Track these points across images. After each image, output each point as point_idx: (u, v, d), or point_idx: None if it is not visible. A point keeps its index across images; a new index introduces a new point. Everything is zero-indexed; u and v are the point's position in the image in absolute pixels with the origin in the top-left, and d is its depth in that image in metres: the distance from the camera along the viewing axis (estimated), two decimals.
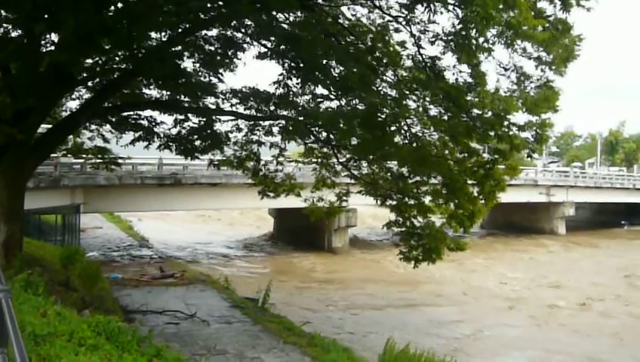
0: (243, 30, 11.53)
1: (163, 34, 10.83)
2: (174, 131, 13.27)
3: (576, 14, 9.78)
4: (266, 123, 13.52)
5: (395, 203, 13.04)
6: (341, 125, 11.82)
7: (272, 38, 11.18)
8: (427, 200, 12.88)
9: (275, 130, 13.62)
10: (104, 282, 14.28)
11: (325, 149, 14.12)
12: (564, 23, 9.91)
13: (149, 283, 17.10)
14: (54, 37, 9.87)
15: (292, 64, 11.59)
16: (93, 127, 14.02)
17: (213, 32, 11.75)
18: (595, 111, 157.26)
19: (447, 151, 12.08)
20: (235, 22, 11.20)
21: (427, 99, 11.28)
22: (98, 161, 14.72)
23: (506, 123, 10.87)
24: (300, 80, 11.89)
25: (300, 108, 12.52)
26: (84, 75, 11.40)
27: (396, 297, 21.64)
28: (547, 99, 10.48)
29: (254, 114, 12.89)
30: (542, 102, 10.45)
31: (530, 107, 10.54)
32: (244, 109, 12.79)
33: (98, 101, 11.97)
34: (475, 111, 10.83)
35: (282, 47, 11.16)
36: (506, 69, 10.31)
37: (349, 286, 23.86)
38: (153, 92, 13.25)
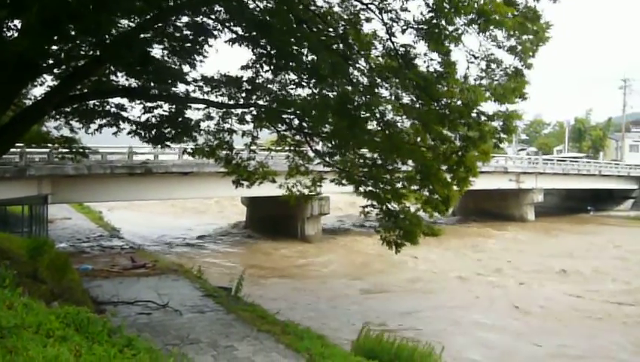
0: (213, 16, 11.37)
1: (131, 20, 10.62)
2: (144, 118, 13.04)
3: (544, 4, 9.90)
4: (238, 110, 13.40)
5: (369, 189, 13.09)
6: (314, 113, 11.79)
7: (243, 25, 11.04)
8: (401, 186, 12.97)
9: (248, 117, 13.51)
10: (74, 273, 14.08)
11: (298, 137, 14.08)
12: (534, 11, 10.03)
13: (120, 273, 16.92)
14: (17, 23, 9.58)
15: (263, 51, 11.49)
16: (59, 115, 13.68)
17: (184, 19, 11.57)
18: (563, 100, 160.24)
19: (419, 139, 12.14)
20: (205, 8, 11.03)
21: (399, 87, 11.31)
22: (64, 150, 14.40)
23: (475, 112, 10.99)
24: (271, 67, 11.80)
25: (272, 96, 12.43)
26: (50, 62, 11.11)
27: (370, 283, 21.84)
28: (515, 89, 10.62)
29: (226, 101, 12.76)
30: (510, 92, 10.59)
31: (498, 97, 10.67)
32: (216, 97, 12.65)
33: (64, 89, 11.67)
34: (445, 100, 10.90)
35: (253, 33, 11.04)
36: (475, 57, 10.38)
37: (321, 273, 23.97)
38: (122, 79, 12.99)
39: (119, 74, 12.68)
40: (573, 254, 30.03)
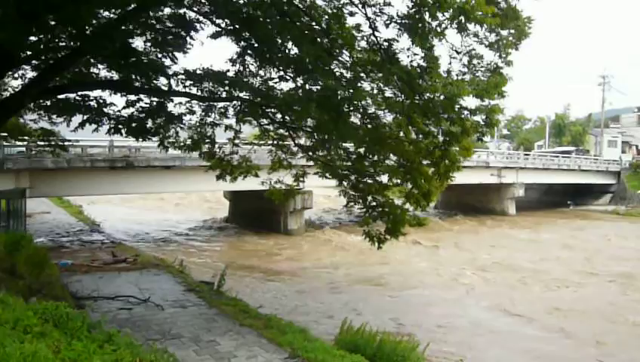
0: (196, 9, 11.25)
1: (112, 11, 10.45)
2: (125, 113, 12.86)
3: (525, 2, 10.00)
4: (221, 104, 13.30)
5: (352, 182, 13.10)
6: (297, 107, 11.75)
7: (226, 18, 10.94)
8: (384, 179, 12.99)
9: (230, 111, 13.42)
10: (53, 268, 13.91)
11: (281, 131, 14.02)
12: (514, 9, 10.10)
13: (101, 268, 16.74)
14: None
15: (247, 44, 11.40)
16: (38, 108, 13.46)
17: (166, 11, 11.43)
18: (544, 96, 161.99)
19: (402, 133, 12.17)
20: (188, 0, 10.93)
21: (382, 81, 11.32)
22: (43, 143, 14.17)
23: (457, 107, 11.04)
24: (255, 60, 11.72)
25: (255, 90, 12.35)
26: (28, 53, 10.91)
27: (353, 277, 21.91)
28: (496, 85, 10.70)
29: (209, 95, 12.65)
30: (492, 89, 10.67)
31: (481, 93, 10.74)
32: (198, 90, 12.53)
33: (43, 81, 11.48)
34: (428, 94, 10.93)
35: (237, 26, 10.95)
36: (458, 52, 10.41)
37: (305, 267, 23.97)
38: (103, 72, 12.81)
39: (100, 66, 12.50)
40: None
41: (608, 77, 73.11)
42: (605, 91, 72.82)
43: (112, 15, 10.51)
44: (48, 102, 12.90)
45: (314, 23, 11.00)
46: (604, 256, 28.22)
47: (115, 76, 12.55)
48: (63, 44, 10.93)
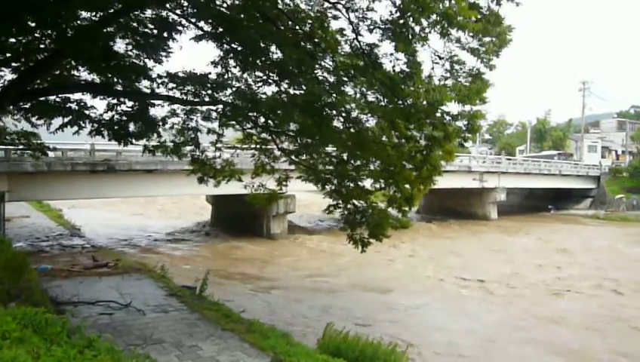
0: (179, 11, 11.20)
1: (94, 13, 10.37)
2: (107, 116, 12.75)
3: (507, 9, 10.12)
4: (204, 108, 13.25)
5: (334, 187, 13.11)
6: (280, 111, 11.75)
7: (209, 21, 10.91)
8: (367, 183, 13.03)
9: (213, 115, 13.38)
10: (32, 273, 13.65)
11: (264, 135, 14.01)
12: (496, 15, 10.21)
13: (81, 273, 16.53)
14: None
15: (230, 47, 11.38)
16: (18, 111, 13.27)
17: (148, 13, 11.36)
18: (526, 101, 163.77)
19: (385, 137, 12.22)
20: (170, 3, 10.87)
21: (365, 85, 11.37)
22: (23, 146, 13.98)
23: (439, 112, 11.13)
24: (238, 63, 11.70)
25: (238, 94, 12.32)
26: (8, 55, 10.79)
27: (332, 281, 21.92)
28: (478, 91, 10.80)
29: (191, 98, 12.59)
30: (474, 94, 10.77)
31: (463, 98, 10.84)
32: (181, 94, 12.47)
33: (23, 83, 11.35)
34: (411, 99, 11.00)
35: (219, 29, 10.92)
36: (440, 57, 10.50)
37: (287, 272, 23.91)
38: (84, 74, 12.68)
39: (81, 68, 12.38)
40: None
41: (588, 83, 74.10)
42: (585, 97, 73.73)
43: (93, 17, 10.43)
44: (28, 105, 12.74)
45: (297, 27, 11.03)
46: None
47: (97, 79, 12.43)
48: (44, 46, 10.82)
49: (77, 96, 12.69)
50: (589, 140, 77.11)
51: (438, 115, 11.15)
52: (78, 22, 10.36)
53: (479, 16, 9.85)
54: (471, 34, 9.98)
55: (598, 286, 22.47)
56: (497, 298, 20.10)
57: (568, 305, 19.40)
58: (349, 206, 13.11)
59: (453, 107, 11.26)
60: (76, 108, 12.49)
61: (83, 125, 12.58)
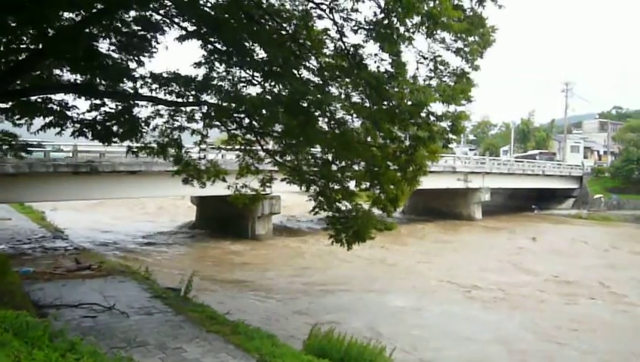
0: (162, 11, 11.13)
1: (76, 13, 10.27)
2: (90, 116, 12.62)
3: (490, 10, 10.19)
4: (188, 108, 13.17)
5: (319, 188, 13.10)
6: (264, 111, 11.72)
7: (193, 21, 10.86)
8: (352, 184, 13.03)
9: (197, 116, 13.31)
10: (13, 276, 13.55)
11: (249, 136, 13.96)
12: (480, 17, 10.29)
13: (64, 276, 16.34)
14: None
15: (214, 47, 11.33)
16: None
17: (131, 13, 11.27)
18: (510, 102, 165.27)
19: (369, 138, 12.23)
20: (153, 3, 10.80)
21: (349, 86, 11.37)
22: (3, 146, 13.77)
23: (424, 112, 11.16)
24: (222, 63, 11.65)
25: (222, 94, 12.27)
26: None
27: (316, 280, 21.94)
28: (463, 91, 10.85)
29: (175, 99, 12.51)
30: (458, 94, 10.82)
31: (447, 99, 10.88)
32: (165, 94, 12.38)
33: (3, 83, 11.20)
34: (396, 100, 11.02)
35: (204, 29, 10.87)
36: (424, 58, 10.53)
37: (271, 273, 23.87)
38: (66, 75, 12.54)
39: (63, 69, 12.24)
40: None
41: (571, 84, 74.95)
42: (568, 98, 74.56)
43: (75, 17, 10.32)
44: (8, 105, 12.56)
45: (281, 27, 11.02)
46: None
47: (79, 79, 12.30)
48: (25, 45, 10.69)
49: (59, 96, 12.54)
50: (571, 141, 78.04)
51: (423, 115, 11.18)
52: (61, 22, 10.26)
53: (463, 17, 9.91)
54: (455, 34, 10.02)
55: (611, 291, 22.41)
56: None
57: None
58: (333, 207, 13.11)
59: (437, 107, 11.31)
60: (58, 108, 12.34)
61: (65, 125, 12.43)
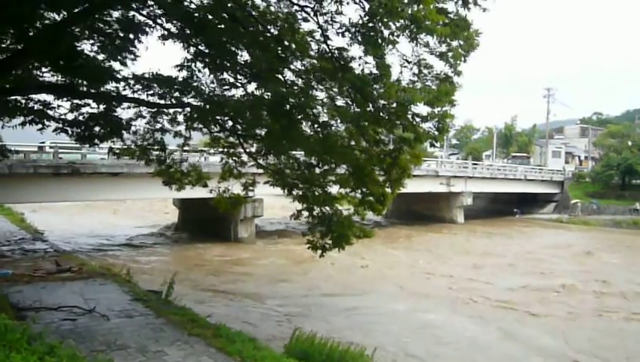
0: (145, 12, 11.07)
1: (58, 13, 10.18)
2: (71, 116, 12.49)
3: (474, 14, 10.27)
4: (171, 111, 13.11)
5: (301, 192, 13.08)
6: (248, 114, 11.69)
7: (177, 22, 10.82)
8: (334, 189, 13.02)
9: (180, 118, 13.25)
10: None
11: (232, 139, 13.92)
12: (464, 20, 10.36)
13: (44, 278, 16.14)
14: None
15: (198, 49, 11.29)
16: None
17: (114, 14, 11.20)
18: (493, 107, 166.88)
19: (353, 142, 12.26)
20: (136, 3, 10.74)
21: (334, 89, 11.39)
22: None
23: (410, 113, 11.21)
24: (205, 65, 11.61)
25: (205, 96, 12.23)
26: None
27: (297, 285, 21.93)
28: (447, 93, 10.92)
29: (157, 101, 12.44)
30: (442, 96, 10.88)
31: (432, 100, 10.94)
32: (147, 96, 12.31)
33: None
34: (381, 101, 11.06)
35: (187, 30, 10.84)
36: (408, 62, 10.59)
37: (253, 276, 23.82)
38: (48, 75, 12.41)
39: (45, 69, 12.11)
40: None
41: (552, 90, 75.95)
42: (550, 103, 75.54)
43: (57, 17, 10.23)
44: None
45: (267, 29, 11.01)
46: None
47: (61, 80, 12.18)
48: (5, 45, 10.57)
49: (40, 96, 12.41)
50: (553, 146, 79.07)
51: (409, 116, 11.21)
52: (42, 22, 10.17)
53: (447, 21, 9.97)
54: (439, 38, 10.07)
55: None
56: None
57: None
58: (314, 212, 13.06)
59: (422, 109, 11.37)
60: (39, 108, 12.19)
61: (46, 124, 12.27)
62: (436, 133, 11.54)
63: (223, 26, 10.18)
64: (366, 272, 25.41)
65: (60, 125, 12.34)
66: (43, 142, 26.84)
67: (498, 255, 32.15)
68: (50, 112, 12.30)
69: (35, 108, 12.15)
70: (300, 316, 16.72)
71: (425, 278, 24.68)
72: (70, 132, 12.49)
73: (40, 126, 12.12)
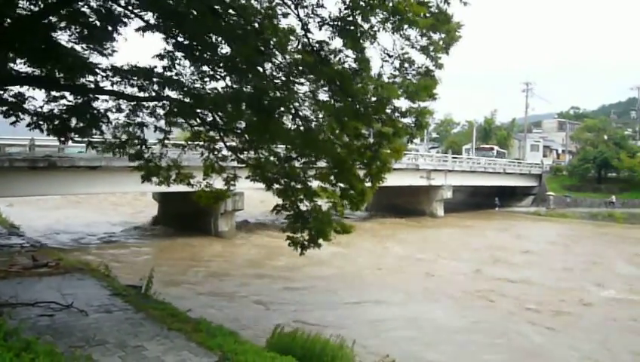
0: (124, 2, 10.89)
1: (34, 3, 9.98)
2: (47, 108, 12.24)
3: (455, 7, 10.26)
4: (151, 104, 12.93)
5: (281, 187, 13.01)
6: (228, 107, 11.58)
7: (155, 13, 10.66)
8: (315, 184, 12.97)
9: (160, 111, 13.06)
10: None
11: (212, 133, 13.77)
12: (445, 14, 10.37)
13: (20, 273, 15.88)
14: None
15: (177, 41, 11.15)
16: None
17: (92, 4, 11.00)
18: (473, 101, 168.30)
19: (332, 136, 12.22)
20: None
21: (315, 83, 11.34)
22: None
23: (389, 109, 11.21)
24: (185, 56, 11.48)
25: (185, 89, 12.08)
26: None
27: (282, 278, 21.92)
28: (427, 87, 10.92)
29: (137, 93, 12.26)
30: (422, 90, 10.89)
31: (411, 95, 10.95)
32: (126, 88, 12.11)
33: None
34: (361, 96, 11.04)
35: (166, 22, 10.69)
36: (390, 56, 10.57)
37: (232, 270, 23.77)
38: (23, 66, 12.14)
39: (20, 60, 11.86)
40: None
41: (531, 84, 76.75)
42: (528, 98, 76.35)
43: (33, 7, 10.03)
44: None
45: (246, 23, 10.90)
46: None
47: (37, 71, 11.93)
48: None
49: (15, 87, 12.13)
50: (531, 140, 79.98)
51: (388, 111, 11.21)
52: (17, 12, 9.95)
53: (429, 14, 9.97)
54: (421, 30, 10.06)
55: None
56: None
57: None
58: (294, 208, 12.98)
59: (401, 103, 11.37)
60: (13, 99, 11.92)
61: (20, 117, 12.00)
62: (415, 129, 11.57)
63: (202, 18, 10.04)
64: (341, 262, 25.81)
65: (35, 120, 12.06)
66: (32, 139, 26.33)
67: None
68: (25, 105, 12.02)
69: (9, 100, 11.88)
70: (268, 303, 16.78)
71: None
72: (45, 126, 12.21)
73: (14, 119, 11.85)
